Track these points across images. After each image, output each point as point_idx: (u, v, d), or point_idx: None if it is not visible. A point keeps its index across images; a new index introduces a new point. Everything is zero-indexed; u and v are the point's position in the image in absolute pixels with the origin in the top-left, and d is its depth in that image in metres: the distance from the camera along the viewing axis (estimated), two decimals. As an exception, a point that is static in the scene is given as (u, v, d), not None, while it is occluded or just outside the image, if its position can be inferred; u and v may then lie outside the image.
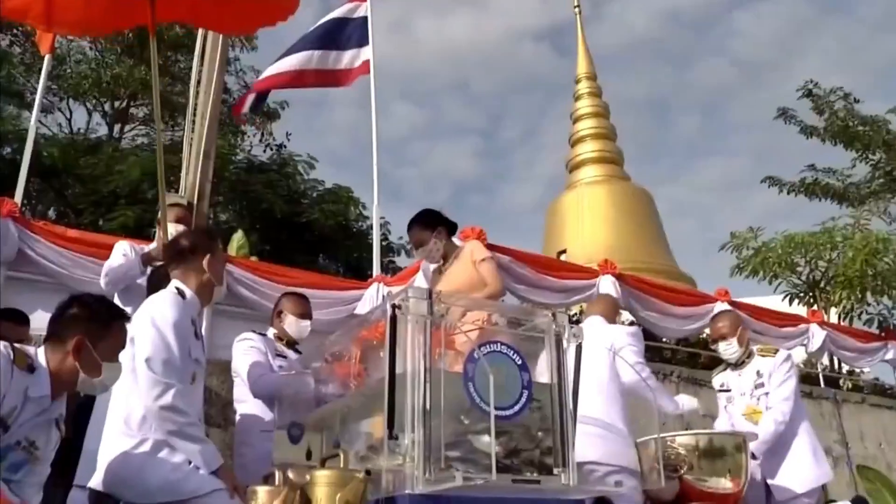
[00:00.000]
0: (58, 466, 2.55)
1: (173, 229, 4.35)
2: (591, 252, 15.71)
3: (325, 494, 2.05)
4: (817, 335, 8.98)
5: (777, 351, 4.23)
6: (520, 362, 2.38)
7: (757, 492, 3.88)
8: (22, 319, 3.91)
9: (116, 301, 4.21)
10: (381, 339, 2.57)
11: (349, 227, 13.58)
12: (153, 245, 4.29)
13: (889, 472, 7.43)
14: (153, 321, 2.75)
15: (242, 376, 3.80)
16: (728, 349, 4.29)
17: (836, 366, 11.29)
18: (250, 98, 9.05)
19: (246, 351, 3.83)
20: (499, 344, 2.38)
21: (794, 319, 9.18)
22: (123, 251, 4.23)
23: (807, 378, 10.62)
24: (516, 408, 2.34)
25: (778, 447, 3.95)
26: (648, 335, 9.24)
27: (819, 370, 9.92)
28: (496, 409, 2.24)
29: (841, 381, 10.76)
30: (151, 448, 2.63)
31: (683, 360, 9.44)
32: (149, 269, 4.17)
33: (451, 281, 4.14)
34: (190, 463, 2.64)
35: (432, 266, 4.53)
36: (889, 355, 9.72)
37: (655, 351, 9.18)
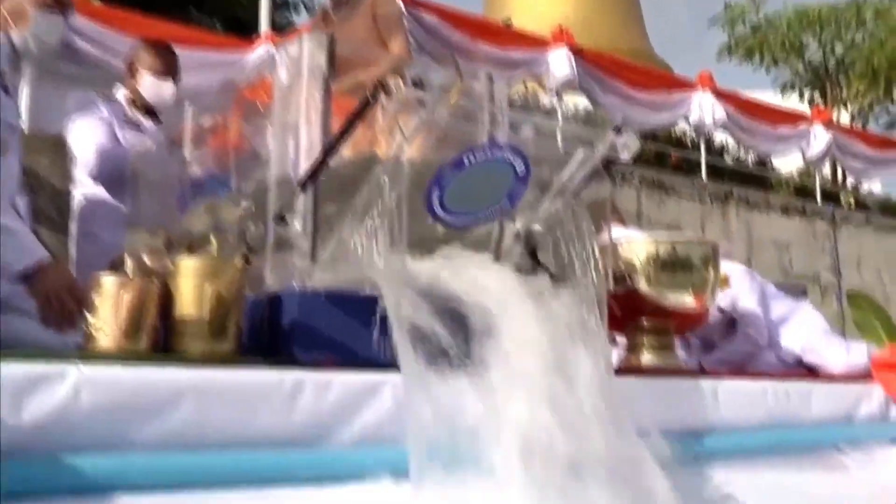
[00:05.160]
0: None
1: None
2: (542, 25, 15.53)
3: (191, 286, 2.08)
4: (820, 138, 9.23)
5: (727, 279, 4.44)
6: (523, 172, 2.40)
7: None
8: None
9: None
10: (267, 101, 2.58)
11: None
12: None
13: (886, 305, 7.94)
14: None
15: (81, 154, 3.77)
16: None
17: (840, 177, 11.71)
18: None
19: (85, 120, 3.79)
20: (506, 151, 2.37)
21: (794, 118, 9.41)
22: None
23: (802, 191, 11.06)
24: (472, 218, 2.43)
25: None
26: (611, 127, 9.30)
27: (817, 182, 10.24)
28: (450, 213, 2.33)
29: (841, 197, 11.16)
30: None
31: (648, 159, 9.68)
32: None
33: (345, 36, 3.78)
34: None
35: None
36: (908, 167, 10.07)
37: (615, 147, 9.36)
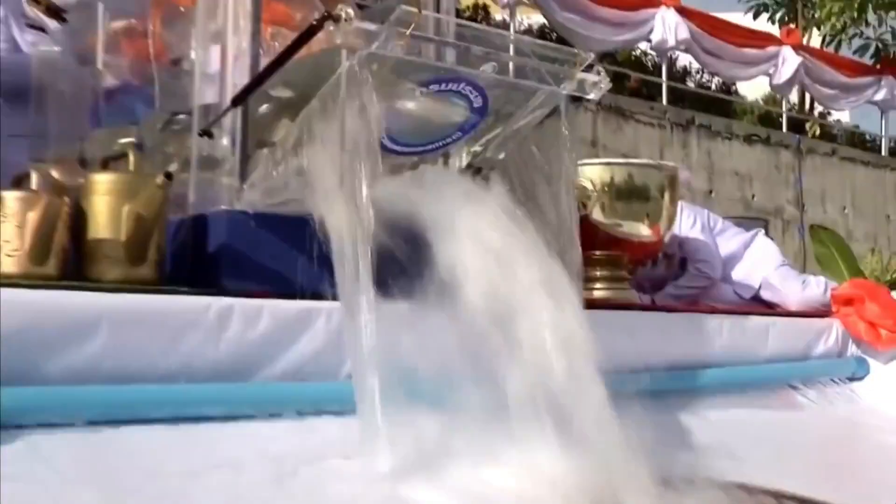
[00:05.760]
0: None
1: None
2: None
3: (105, 205, 2.03)
4: (789, 62, 9.29)
5: None
6: (479, 105, 2.38)
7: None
8: None
9: None
10: (190, 4, 2.54)
11: None
12: None
13: (849, 240, 8.11)
14: None
15: (-28, 59, 3.67)
16: None
17: (808, 105, 11.83)
18: None
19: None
20: (463, 84, 2.34)
21: (762, 39, 9.47)
22: None
23: (766, 119, 11.21)
24: (421, 148, 2.41)
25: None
26: (566, 45, 9.36)
27: (783, 109, 10.35)
28: (400, 145, 2.30)
29: (808, 126, 11.29)
30: None
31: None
32: None
33: None
34: None
35: None
36: (880, 95, 10.15)
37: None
